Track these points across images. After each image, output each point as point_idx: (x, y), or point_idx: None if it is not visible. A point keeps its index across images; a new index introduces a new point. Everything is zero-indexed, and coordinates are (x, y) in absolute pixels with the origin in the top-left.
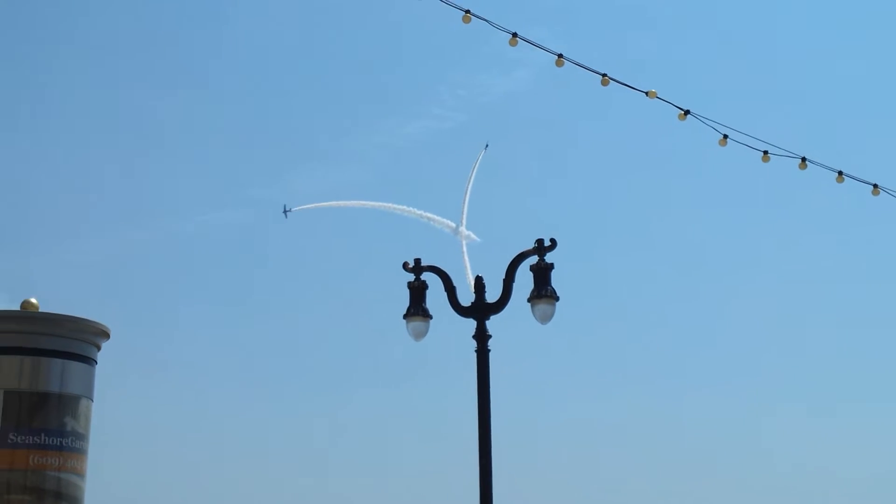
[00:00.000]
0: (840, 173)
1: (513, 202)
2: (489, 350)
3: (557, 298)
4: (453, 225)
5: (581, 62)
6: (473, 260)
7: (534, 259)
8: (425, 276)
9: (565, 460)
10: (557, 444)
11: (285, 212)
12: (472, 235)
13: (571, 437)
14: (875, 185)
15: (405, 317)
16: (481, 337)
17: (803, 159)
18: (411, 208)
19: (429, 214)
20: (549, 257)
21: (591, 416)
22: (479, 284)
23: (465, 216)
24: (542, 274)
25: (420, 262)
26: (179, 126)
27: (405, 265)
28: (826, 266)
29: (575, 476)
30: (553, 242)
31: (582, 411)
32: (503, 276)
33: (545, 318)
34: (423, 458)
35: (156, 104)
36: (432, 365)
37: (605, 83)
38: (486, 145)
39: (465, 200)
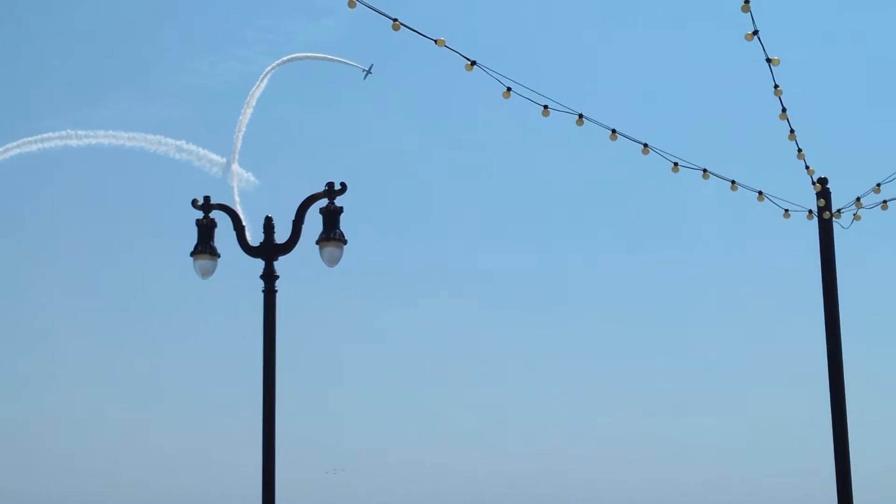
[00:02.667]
0: (613, 131)
1: (300, 148)
2: (276, 291)
3: (345, 241)
4: (223, 160)
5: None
6: (251, 204)
7: (323, 202)
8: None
9: (349, 397)
10: (341, 381)
11: None
12: (251, 177)
13: (354, 375)
14: (645, 145)
15: (192, 254)
16: (269, 277)
17: (580, 116)
18: (181, 142)
19: (204, 151)
20: (338, 201)
21: (376, 355)
22: (269, 225)
23: (237, 153)
24: (332, 217)
25: (209, 200)
26: None
27: (194, 202)
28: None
29: (360, 410)
30: (343, 186)
31: (366, 351)
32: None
33: (333, 261)
34: (209, 396)
35: None
36: (220, 305)
37: (395, 28)
38: (369, 68)
39: (238, 137)
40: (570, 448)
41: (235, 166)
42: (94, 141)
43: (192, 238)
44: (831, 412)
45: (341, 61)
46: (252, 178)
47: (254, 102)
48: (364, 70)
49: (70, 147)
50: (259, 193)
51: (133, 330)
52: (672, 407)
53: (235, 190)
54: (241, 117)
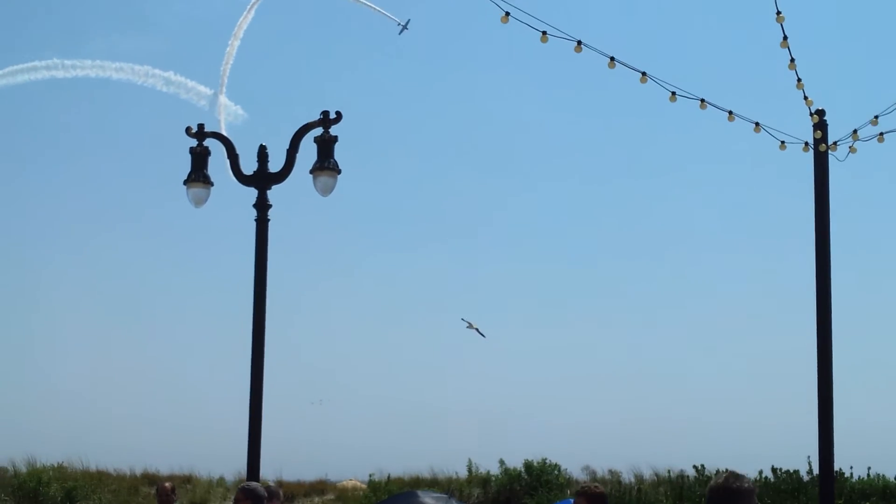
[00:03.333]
0: (612, 59)
1: (288, 82)
2: (269, 220)
3: (339, 171)
4: (210, 92)
5: None
6: (239, 137)
7: (318, 131)
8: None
9: (340, 330)
10: (334, 314)
11: None
12: (239, 109)
13: (346, 307)
14: (644, 73)
15: (185, 182)
16: (262, 206)
17: (579, 42)
18: (169, 73)
19: (192, 83)
20: (333, 130)
21: (368, 288)
22: (263, 154)
23: (224, 85)
24: (326, 146)
25: (203, 128)
26: None
27: (188, 130)
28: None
29: (349, 345)
30: (338, 115)
31: (360, 282)
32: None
33: (326, 191)
34: (201, 323)
35: None
36: (213, 233)
37: None
38: (406, 23)
39: (225, 68)
40: (548, 382)
41: (223, 98)
42: (81, 73)
43: (173, 170)
44: (817, 347)
45: (375, 9)
46: (240, 111)
47: (241, 34)
48: (400, 24)
49: (56, 79)
50: (247, 126)
51: (122, 256)
52: (667, 338)
53: (223, 122)
54: (228, 48)
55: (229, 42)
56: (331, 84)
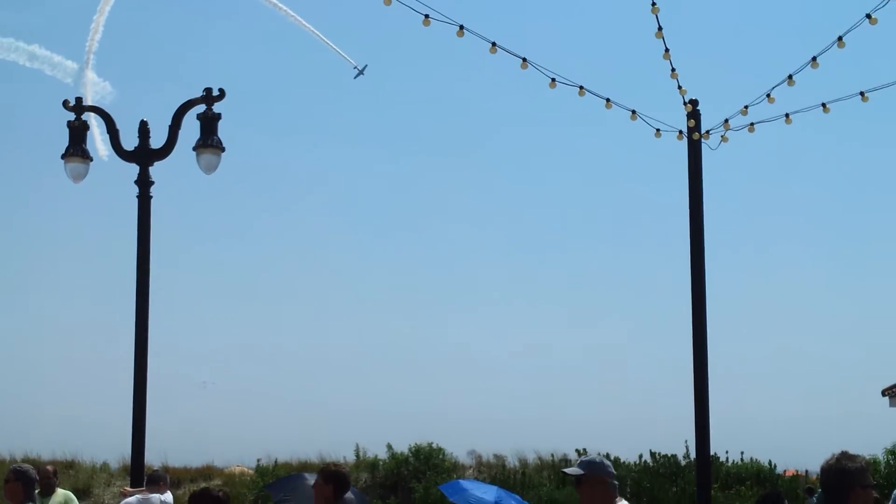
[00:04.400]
0: (493, 44)
1: (158, 58)
2: (151, 196)
3: (223, 149)
4: (75, 66)
5: None
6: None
7: (201, 108)
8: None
9: (227, 314)
10: (213, 286)
11: None
12: (107, 86)
13: (228, 279)
14: (524, 59)
15: (63, 157)
16: (144, 182)
17: (461, 27)
18: (34, 46)
19: (58, 58)
20: (217, 108)
21: (247, 259)
22: (144, 129)
23: (90, 60)
24: (209, 124)
25: (82, 101)
26: None
27: (65, 103)
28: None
29: (237, 330)
30: (222, 92)
31: (240, 256)
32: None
33: (210, 168)
34: (84, 303)
35: None
36: (95, 209)
37: None
38: (363, 68)
39: (91, 42)
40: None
41: (90, 73)
42: None
43: (46, 146)
44: (693, 335)
45: (336, 50)
46: (109, 88)
47: (107, 9)
48: (357, 68)
49: None
50: (117, 104)
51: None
52: (543, 324)
53: (89, 99)
54: (93, 23)
55: (94, 17)
56: (201, 62)
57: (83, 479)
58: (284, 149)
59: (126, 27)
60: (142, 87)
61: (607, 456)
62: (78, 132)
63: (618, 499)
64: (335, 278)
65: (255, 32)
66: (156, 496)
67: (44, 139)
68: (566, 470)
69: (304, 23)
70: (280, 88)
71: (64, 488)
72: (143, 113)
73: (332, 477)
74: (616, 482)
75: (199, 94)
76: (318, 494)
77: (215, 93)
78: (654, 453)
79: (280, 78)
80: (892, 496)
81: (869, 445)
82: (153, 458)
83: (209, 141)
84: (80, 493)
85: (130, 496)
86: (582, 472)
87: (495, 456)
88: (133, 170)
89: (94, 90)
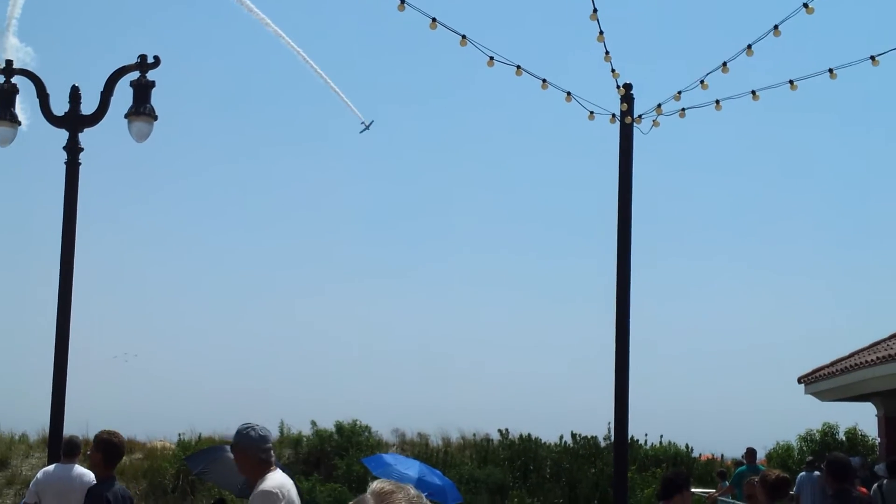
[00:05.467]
0: (433, 20)
1: (83, 23)
2: (80, 163)
3: (156, 118)
4: None
5: None
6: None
7: (135, 74)
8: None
9: (151, 283)
10: (149, 267)
11: None
12: (30, 51)
13: (163, 260)
14: (463, 37)
15: None
16: (73, 149)
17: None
18: None
19: None
20: (150, 75)
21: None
22: (75, 95)
23: (12, 23)
24: (143, 91)
25: (12, 64)
26: None
27: None
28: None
29: (160, 299)
30: (157, 59)
31: (169, 225)
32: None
33: (142, 137)
34: (6, 269)
35: None
36: (23, 175)
37: None
38: (369, 124)
39: (13, 4)
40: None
41: (11, 38)
42: None
43: None
44: (616, 318)
45: (346, 102)
46: (31, 52)
47: None
48: (364, 123)
49: None
50: (39, 70)
51: None
52: (471, 309)
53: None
54: None
55: None
56: (129, 31)
57: (1, 450)
58: (214, 121)
59: None
60: (66, 54)
61: (522, 437)
62: (7, 95)
63: (272, 468)
64: (256, 249)
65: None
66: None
67: None
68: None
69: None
70: (215, 60)
71: None
72: (66, 80)
73: (102, 444)
74: (265, 454)
75: (127, 61)
76: (90, 462)
77: (150, 60)
78: (575, 434)
79: (214, 49)
80: (797, 480)
81: (784, 431)
82: (73, 429)
83: (142, 108)
84: None
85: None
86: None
87: (419, 434)
88: (58, 135)
89: (16, 56)
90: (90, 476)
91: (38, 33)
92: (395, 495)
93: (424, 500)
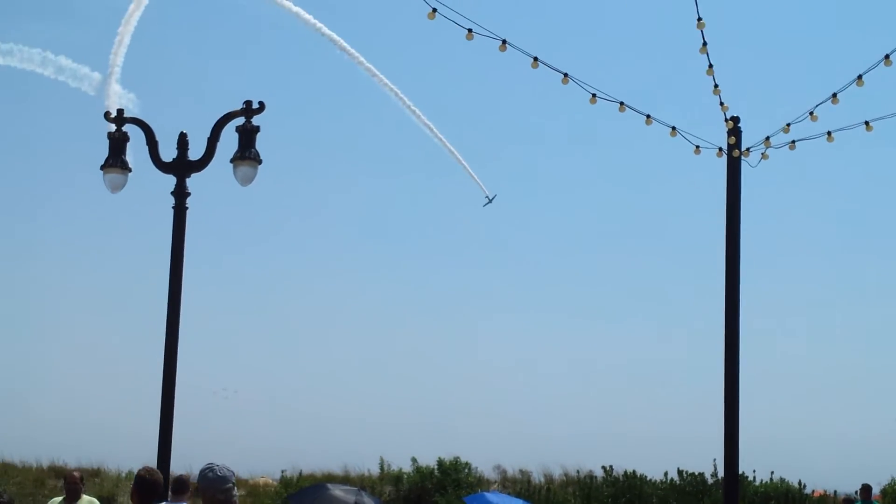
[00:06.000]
0: (535, 59)
1: (184, 70)
2: (187, 208)
3: (260, 161)
4: (98, 76)
5: None
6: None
7: (240, 120)
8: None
9: (255, 324)
10: (248, 299)
11: None
12: (133, 97)
13: (264, 294)
14: (565, 75)
15: (103, 168)
16: (180, 194)
17: (504, 42)
18: (61, 57)
19: (85, 69)
20: (255, 120)
21: (284, 273)
22: (183, 141)
23: (115, 71)
24: (248, 136)
25: (123, 113)
26: None
27: (107, 115)
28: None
29: (263, 340)
30: (261, 105)
31: (276, 269)
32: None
33: (246, 181)
34: (115, 313)
35: None
36: (130, 220)
37: None
38: (492, 198)
39: (116, 53)
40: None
41: (114, 85)
42: None
43: (81, 158)
44: (725, 352)
45: (473, 177)
46: (134, 99)
47: (133, 20)
48: (487, 197)
49: None
50: (142, 116)
51: (26, 247)
52: (581, 341)
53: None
54: (118, 36)
55: (119, 29)
56: (226, 76)
57: (108, 486)
58: (313, 161)
59: (152, 40)
60: (165, 99)
61: (626, 473)
62: (118, 143)
63: None
64: (362, 289)
65: (287, 48)
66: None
67: (67, 151)
68: None
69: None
70: (308, 102)
71: (89, 495)
72: (167, 126)
73: (137, 481)
74: (223, 495)
75: (226, 107)
76: (131, 499)
77: (255, 105)
78: (682, 471)
79: (310, 92)
80: None
81: None
82: (178, 467)
83: (247, 153)
84: (105, 501)
85: None
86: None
87: (521, 471)
88: (163, 181)
89: (120, 102)
90: None
91: (140, 80)
92: None
93: None
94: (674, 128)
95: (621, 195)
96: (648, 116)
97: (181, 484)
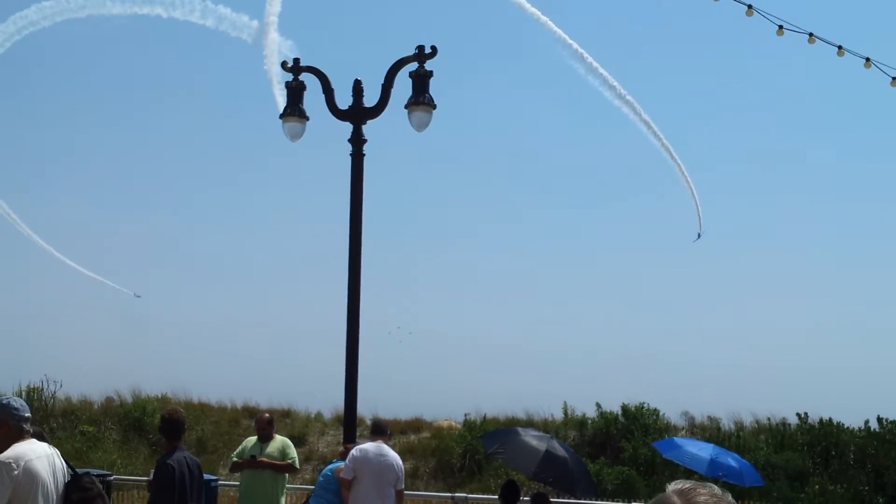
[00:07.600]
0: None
1: (343, 17)
2: (364, 154)
3: (434, 106)
4: (255, 25)
5: None
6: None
7: (413, 66)
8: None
9: (434, 269)
10: (425, 249)
11: None
12: (292, 45)
13: (437, 243)
14: (749, 6)
15: (282, 117)
16: (357, 141)
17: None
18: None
19: (239, 15)
20: (428, 65)
21: (461, 225)
22: (358, 88)
23: (273, 19)
24: (421, 81)
25: (299, 62)
26: None
27: (284, 64)
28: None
29: (444, 285)
30: (434, 49)
31: (452, 219)
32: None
33: (421, 126)
34: (298, 260)
35: None
36: (308, 167)
37: None
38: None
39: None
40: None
41: (272, 33)
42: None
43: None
44: None
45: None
46: (292, 45)
47: None
48: (699, 234)
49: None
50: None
51: (214, 199)
52: (768, 284)
53: (273, 59)
54: None
55: None
56: (395, 22)
57: (298, 427)
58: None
59: None
60: (325, 47)
61: (822, 421)
62: (296, 92)
63: (24, 438)
64: (546, 234)
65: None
66: (373, 445)
67: (226, 99)
68: None
69: None
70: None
71: (281, 435)
72: (341, 71)
73: (161, 420)
74: (21, 423)
75: (389, 56)
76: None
77: (427, 50)
78: (882, 419)
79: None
80: None
81: None
82: (364, 409)
83: (421, 98)
84: (295, 441)
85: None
86: None
87: (709, 418)
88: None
89: (279, 52)
90: (396, 456)
91: (298, 28)
92: (697, 491)
93: (730, 498)
94: (868, 59)
95: (810, 128)
96: (840, 48)
97: (381, 427)
